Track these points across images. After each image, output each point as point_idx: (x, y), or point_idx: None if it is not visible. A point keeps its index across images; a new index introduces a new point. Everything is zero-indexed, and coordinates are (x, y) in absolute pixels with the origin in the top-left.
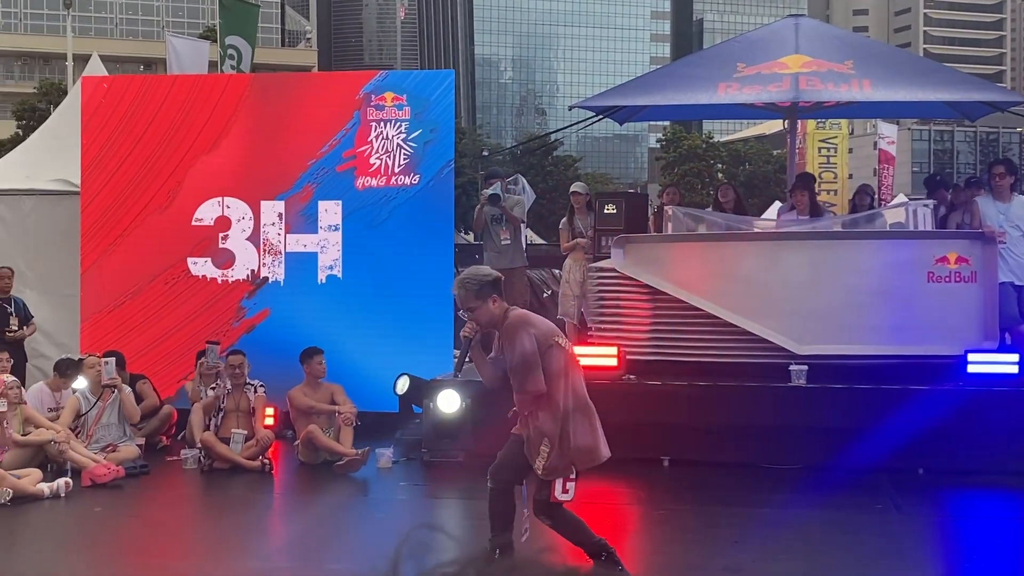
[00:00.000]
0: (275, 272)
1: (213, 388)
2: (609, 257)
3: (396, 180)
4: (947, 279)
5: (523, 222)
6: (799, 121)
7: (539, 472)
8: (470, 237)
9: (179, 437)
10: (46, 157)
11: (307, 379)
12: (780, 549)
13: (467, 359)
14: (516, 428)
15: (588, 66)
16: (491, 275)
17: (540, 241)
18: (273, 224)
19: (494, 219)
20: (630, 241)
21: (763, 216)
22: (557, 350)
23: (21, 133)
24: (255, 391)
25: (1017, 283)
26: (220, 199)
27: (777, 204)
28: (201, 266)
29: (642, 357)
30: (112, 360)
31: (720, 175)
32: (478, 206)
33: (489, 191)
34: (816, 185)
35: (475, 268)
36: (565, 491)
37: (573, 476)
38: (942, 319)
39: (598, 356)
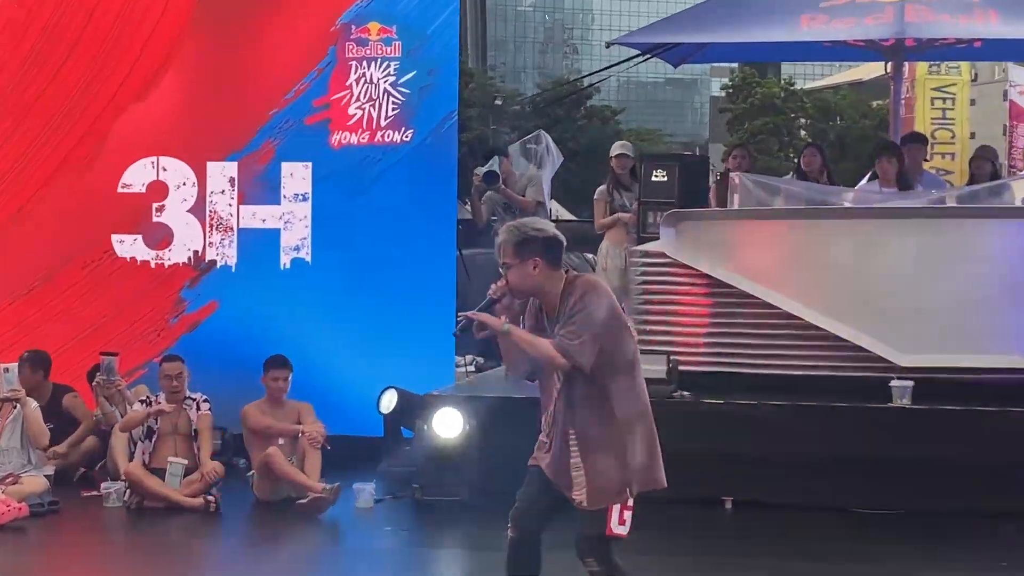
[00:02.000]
0: (225, 254)
1: (144, 401)
2: (658, 238)
3: (383, 137)
4: None
5: (539, 202)
6: (905, 64)
7: (583, 501)
8: None
9: (97, 467)
10: None
11: (267, 394)
12: None
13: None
14: (536, 456)
15: None
16: (544, 231)
17: (569, 217)
18: (223, 192)
19: (499, 205)
20: (685, 218)
21: (859, 186)
22: (629, 336)
23: None
24: (198, 408)
25: None
26: (154, 159)
27: None
28: (129, 245)
29: (699, 368)
30: (14, 366)
31: (803, 133)
32: (473, 190)
33: (484, 168)
34: (928, 148)
35: (533, 219)
36: (623, 522)
37: (630, 503)
38: None
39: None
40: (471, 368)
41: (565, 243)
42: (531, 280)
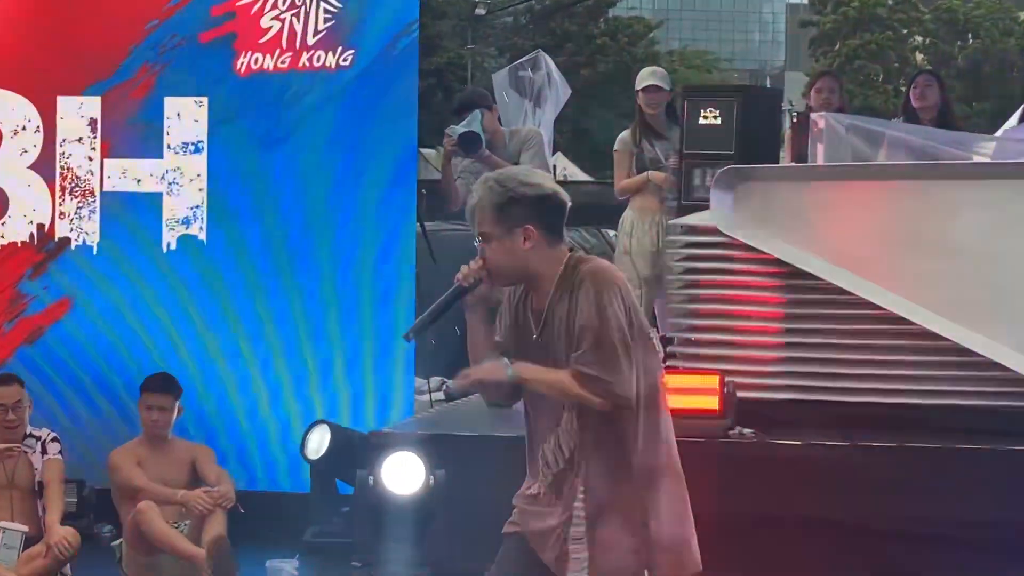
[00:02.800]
0: (83, 230)
1: None
2: (707, 208)
3: (311, 60)
4: None
5: (545, 167)
6: None
7: None
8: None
9: None
10: None
11: (145, 431)
12: None
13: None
14: (516, 519)
15: None
16: (540, 188)
17: (580, 176)
18: (80, 140)
19: (476, 176)
20: (748, 178)
21: (999, 133)
22: (653, 353)
23: None
24: (44, 451)
25: None
26: None
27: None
28: None
29: (767, 395)
30: None
31: (920, 57)
32: (444, 158)
33: (460, 128)
34: None
35: (522, 170)
36: None
37: None
38: None
39: (684, 392)
40: (438, 395)
41: (569, 207)
42: (519, 259)
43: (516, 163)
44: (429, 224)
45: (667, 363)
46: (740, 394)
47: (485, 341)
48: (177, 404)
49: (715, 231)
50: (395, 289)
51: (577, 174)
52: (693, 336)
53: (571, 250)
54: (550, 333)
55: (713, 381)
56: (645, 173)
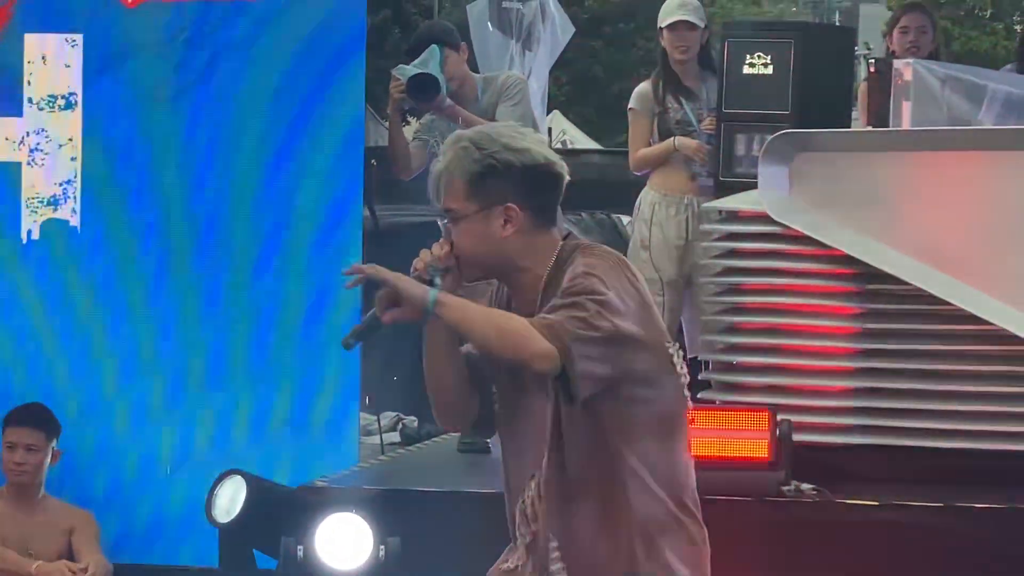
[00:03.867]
0: None
1: None
2: (754, 185)
3: None
4: None
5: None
6: None
7: None
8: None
9: None
10: None
11: (8, 480)
12: None
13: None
14: None
15: None
16: (527, 153)
17: (585, 144)
18: None
19: (444, 139)
20: (809, 146)
21: None
22: (670, 366)
23: None
24: None
25: None
26: None
27: None
28: None
29: (833, 438)
30: None
31: None
32: (391, 110)
33: (411, 68)
34: None
35: (506, 127)
36: None
37: None
38: None
39: (723, 434)
40: (392, 437)
41: (567, 182)
42: (496, 247)
43: (492, 119)
44: (381, 209)
45: (699, 395)
46: (797, 437)
47: (447, 353)
48: (52, 445)
49: (764, 218)
50: (333, 292)
51: (580, 139)
52: (735, 360)
53: (565, 237)
54: None
55: (762, 420)
56: (671, 139)
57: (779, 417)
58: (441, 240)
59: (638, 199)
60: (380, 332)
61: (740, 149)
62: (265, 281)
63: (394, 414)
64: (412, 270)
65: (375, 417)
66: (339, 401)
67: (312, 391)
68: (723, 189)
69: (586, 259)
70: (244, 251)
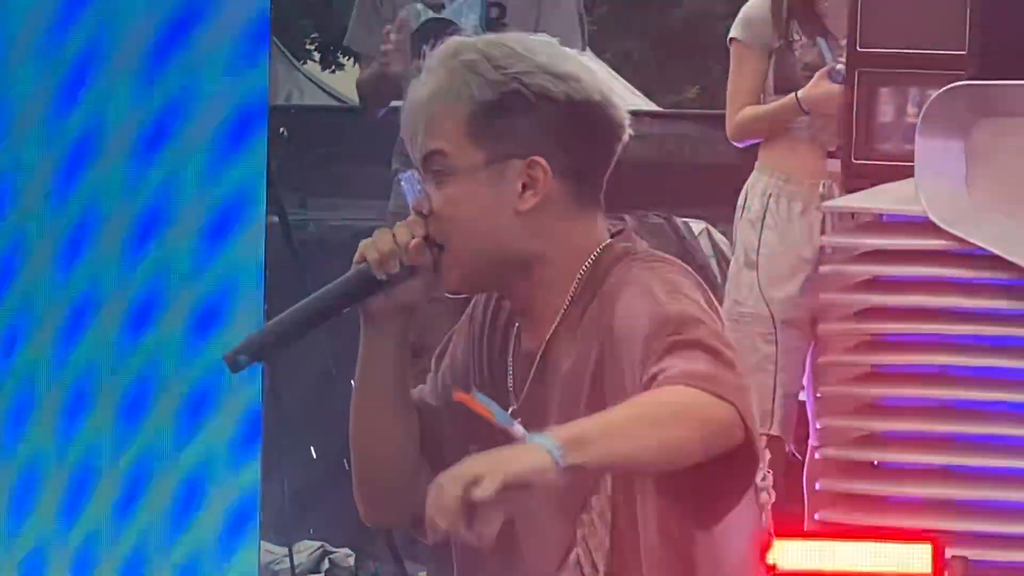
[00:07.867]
0: None
1: None
2: (908, 172)
3: None
4: None
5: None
6: None
7: None
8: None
9: None
10: None
11: None
12: None
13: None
14: None
15: None
16: (579, 85)
17: (646, 105)
18: None
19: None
20: (997, 106)
21: None
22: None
23: None
24: None
25: None
26: None
27: None
28: None
29: None
30: None
31: None
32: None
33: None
34: None
35: (537, 39)
36: None
37: None
38: None
39: (859, 547)
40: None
41: (625, 139)
42: (505, 226)
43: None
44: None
45: (818, 515)
46: (973, 559)
47: (395, 390)
48: None
49: (925, 227)
50: (223, 315)
51: (629, 98)
52: (876, 459)
53: (615, 235)
54: (544, 386)
55: (923, 555)
56: (793, 94)
57: (949, 553)
58: (410, 219)
59: (744, 187)
60: (278, 355)
61: (884, 112)
62: (128, 308)
63: (317, 544)
64: (357, 260)
65: (286, 550)
66: (231, 510)
67: (193, 490)
68: (857, 177)
69: (656, 272)
70: (99, 259)
